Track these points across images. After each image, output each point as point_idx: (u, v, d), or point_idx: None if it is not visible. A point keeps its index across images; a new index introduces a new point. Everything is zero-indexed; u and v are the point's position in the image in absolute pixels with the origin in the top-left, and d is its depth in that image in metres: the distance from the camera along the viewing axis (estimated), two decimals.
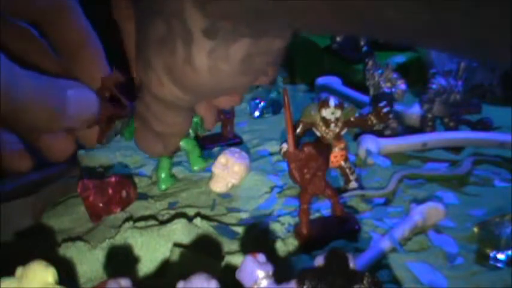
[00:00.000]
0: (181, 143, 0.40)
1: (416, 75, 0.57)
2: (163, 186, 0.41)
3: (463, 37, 0.16)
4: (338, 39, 0.66)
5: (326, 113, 0.37)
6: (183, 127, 0.29)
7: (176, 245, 0.33)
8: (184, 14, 0.21)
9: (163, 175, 0.41)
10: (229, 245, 0.33)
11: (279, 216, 0.37)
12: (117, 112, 0.33)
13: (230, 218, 0.37)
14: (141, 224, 0.35)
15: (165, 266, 0.32)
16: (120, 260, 0.32)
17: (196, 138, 0.45)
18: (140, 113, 0.28)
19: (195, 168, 0.41)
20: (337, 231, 0.34)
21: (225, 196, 0.40)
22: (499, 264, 0.32)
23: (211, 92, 0.26)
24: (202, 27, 0.21)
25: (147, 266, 0.32)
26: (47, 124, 0.29)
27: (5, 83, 0.25)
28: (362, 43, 0.64)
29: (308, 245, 0.33)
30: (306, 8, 0.18)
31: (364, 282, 0.21)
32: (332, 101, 0.37)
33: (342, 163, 0.40)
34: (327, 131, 0.38)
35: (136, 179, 0.42)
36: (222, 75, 0.23)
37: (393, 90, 0.48)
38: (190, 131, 0.40)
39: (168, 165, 0.41)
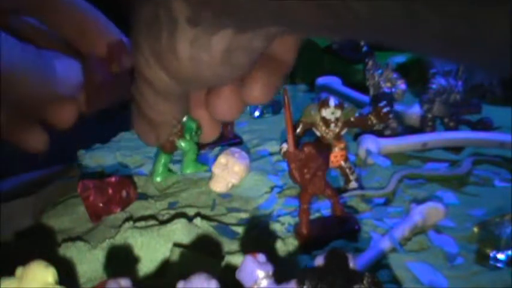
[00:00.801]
0: (181, 143, 0.40)
1: (416, 75, 0.57)
2: (157, 179, 0.41)
3: (442, 37, 0.15)
4: None
5: (326, 113, 0.37)
6: (173, 116, 0.29)
7: (176, 245, 0.33)
8: (170, 1, 0.22)
9: (160, 168, 0.41)
10: (229, 245, 0.33)
11: (279, 216, 0.37)
12: (107, 82, 0.33)
13: (230, 218, 0.37)
14: (141, 224, 0.35)
15: (165, 266, 0.32)
16: (120, 260, 0.32)
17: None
18: (134, 96, 0.28)
19: (187, 171, 0.41)
20: (337, 231, 0.34)
21: (225, 196, 0.40)
22: (499, 264, 0.32)
23: (193, 81, 0.26)
24: (186, 15, 0.22)
25: (147, 266, 0.32)
26: (37, 90, 0.29)
27: None
28: (362, 43, 0.64)
29: (308, 245, 0.33)
30: (285, 8, 0.18)
31: (364, 282, 0.21)
32: (332, 101, 0.37)
33: (342, 163, 0.40)
34: (327, 131, 0.38)
35: (136, 179, 0.42)
36: (203, 65, 0.24)
37: (393, 90, 0.48)
38: (186, 135, 0.40)
39: (165, 159, 0.41)
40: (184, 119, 0.39)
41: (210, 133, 0.31)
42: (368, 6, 0.16)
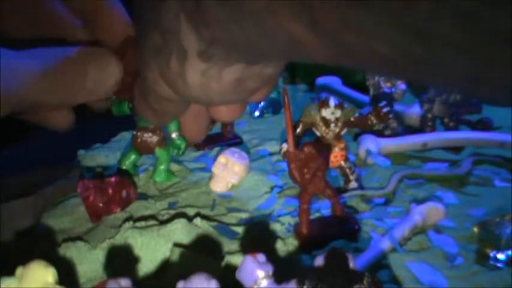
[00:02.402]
0: (160, 152, 0.41)
1: None
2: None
3: (459, 72, 0.15)
4: None
5: (326, 113, 0.37)
6: (179, 110, 0.29)
7: (176, 245, 0.33)
8: (180, 33, 0.22)
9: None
10: (229, 245, 0.33)
11: (279, 216, 0.37)
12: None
13: (230, 218, 0.37)
14: (141, 224, 0.35)
15: (165, 266, 0.32)
16: (120, 260, 0.32)
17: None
18: (139, 84, 0.28)
19: (157, 179, 0.41)
20: (337, 231, 0.34)
21: (225, 196, 0.40)
22: (499, 264, 0.32)
23: (202, 102, 0.26)
24: (197, 49, 0.22)
25: (147, 266, 0.32)
26: (64, 101, 0.29)
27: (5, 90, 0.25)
28: None
29: (308, 245, 0.33)
30: (298, 42, 0.18)
31: (364, 282, 0.21)
32: (332, 101, 0.37)
33: (342, 163, 0.40)
34: (327, 131, 0.38)
35: (136, 179, 0.42)
36: (213, 93, 0.24)
37: (393, 90, 0.48)
38: (171, 149, 0.41)
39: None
40: (174, 135, 0.40)
41: (195, 131, 0.31)
42: (390, 48, 0.15)
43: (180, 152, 0.41)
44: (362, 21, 0.15)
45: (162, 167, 0.41)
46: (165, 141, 0.41)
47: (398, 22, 0.14)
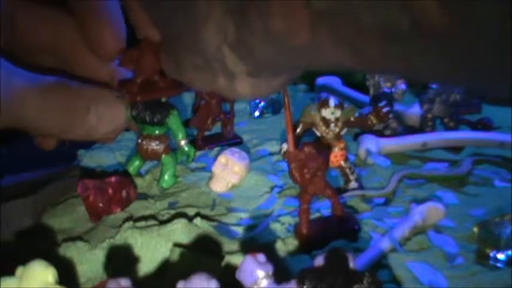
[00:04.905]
0: (166, 159, 0.41)
1: None
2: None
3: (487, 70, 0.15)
4: None
5: (326, 113, 0.37)
6: None
7: (176, 245, 0.33)
8: (225, 61, 0.22)
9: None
10: (229, 245, 0.33)
11: (279, 216, 0.37)
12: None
13: (230, 218, 0.37)
14: (141, 224, 0.35)
15: (165, 266, 0.32)
16: (120, 260, 0.32)
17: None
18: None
19: (164, 185, 0.41)
20: (337, 231, 0.34)
21: (225, 196, 0.40)
22: (499, 264, 0.32)
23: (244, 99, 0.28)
24: (245, 71, 0.23)
25: (147, 266, 0.32)
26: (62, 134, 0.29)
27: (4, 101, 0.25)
28: None
29: (308, 245, 0.33)
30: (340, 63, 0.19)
31: (364, 282, 0.21)
32: (332, 101, 0.37)
33: (342, 163, 0.40)
34: (326, 131, 0.38)
35: (136, 179, 0.42)
36: (262, 93, 0.25)
37: (393, 90, 0.48)
38: (179, 155, 0.42)
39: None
40: (183, 143, 0.40)
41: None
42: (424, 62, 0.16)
43: (190, 159, 0.42)
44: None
45: (169, 173, 0.41)
46: (170, 147, 0.41)
47: None
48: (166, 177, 0.41)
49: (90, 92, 0.31)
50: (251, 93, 0.24)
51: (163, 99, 0.38)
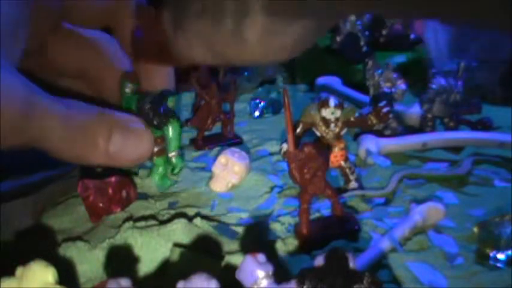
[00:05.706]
0: (157, 160, 0.40)
1: (416, 75, 0.57)
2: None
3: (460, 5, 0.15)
4: (338, 39, 0.66)
5: (326, 113, 0.37)
6: None
7: (176, 245, 0.33)
8: None
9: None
10: (229, 245, 0.33)
11: (279, 216, 0.37)
12: None
13: (230, 218, 0.37)
14: (141, 224, 0.35)
15: (165, 266, 0.32)
16: (120, 260, 0.32)
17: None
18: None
19: (159, 189, 0.41)
20: (337, 231, 0.34)
21: (225, 196, 0.40)
22: (499, 264, 0.32)
23: (243, 62, 0.25)
24: (260, 4, 0.20)
25: (147, 266, 0.32)
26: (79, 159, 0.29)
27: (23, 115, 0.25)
28: (362, 43, 0.64)
29: (308, 245, 0.33)
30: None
31: (364, 282, 0.21)
32: (332, 101, 0.37)
33: (342, 163, 0.40)
34: (326, 131, 0.38)
35: (136, 179, 0.42)
36: (270, 50, 0.22)
37: (393, 90, 0.48)
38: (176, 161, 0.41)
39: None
40: (172, 154, 0.40)
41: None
42: None
43: (176, 171, 0.41)
44: None
45: (158, 175, 0.41)
46: (165, 151, 0.40)
47: None
48: (156, 178, 0.41)
49: (113, 119, 0.31)
50: (262, 43, 0.21)
51: (170, 104, 0.38)
